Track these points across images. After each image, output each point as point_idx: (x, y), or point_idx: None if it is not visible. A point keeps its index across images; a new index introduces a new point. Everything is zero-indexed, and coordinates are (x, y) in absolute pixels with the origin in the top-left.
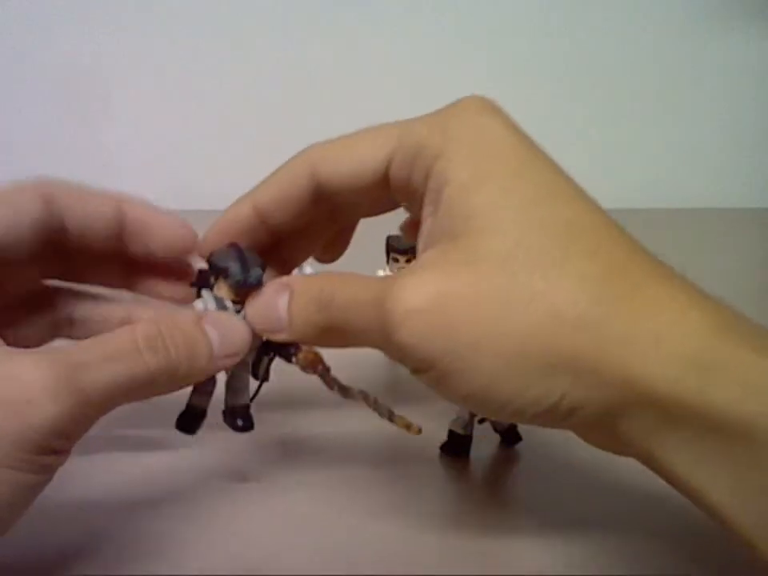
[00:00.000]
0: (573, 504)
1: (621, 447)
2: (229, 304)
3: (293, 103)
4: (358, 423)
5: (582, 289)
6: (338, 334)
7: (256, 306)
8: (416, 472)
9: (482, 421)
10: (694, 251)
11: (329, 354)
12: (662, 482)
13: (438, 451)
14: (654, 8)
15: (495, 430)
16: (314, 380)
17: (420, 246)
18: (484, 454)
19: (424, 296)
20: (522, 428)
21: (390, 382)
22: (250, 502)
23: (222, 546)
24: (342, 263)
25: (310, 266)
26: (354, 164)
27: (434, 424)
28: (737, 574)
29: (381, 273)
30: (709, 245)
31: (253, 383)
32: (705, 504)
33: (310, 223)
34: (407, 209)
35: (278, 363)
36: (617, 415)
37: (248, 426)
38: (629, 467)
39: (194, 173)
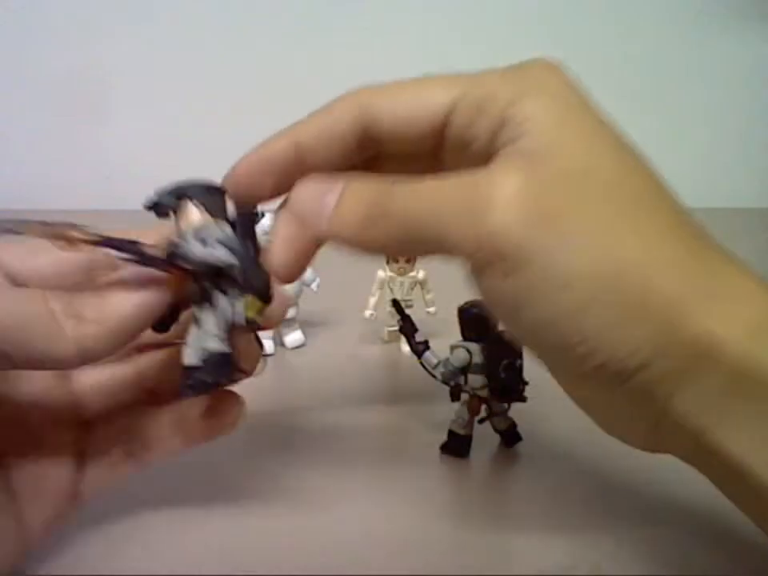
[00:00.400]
0: (573, 504)
1: (664, 434)
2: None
3: (293, 104)
4: (358, 423)
5: (672, 234)
6: (387, 235)
7: (303, 185)
8: (416, 472)
9: (481, 421)
10: None
11: (328, 355)
12: (661, 483)
13: (438, 451)
14: (654, 8)
15: (495, 430)
16: (313, 381)
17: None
18: (484, 454)
19: (525, 183)
20: (521, 428)
21: (391, 382)
22: (249, 503)
23: (222, 545)
24: (339, 263)
25: (310, 267)
26: (413, 106)
27: (434, 424)
28: (737, 573)
29: (381, 273)
30: None
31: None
32: (763, 494)
33: (347, 171)
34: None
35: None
36: (680, 381)
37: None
38: (629, 467)
39: (194, 174)
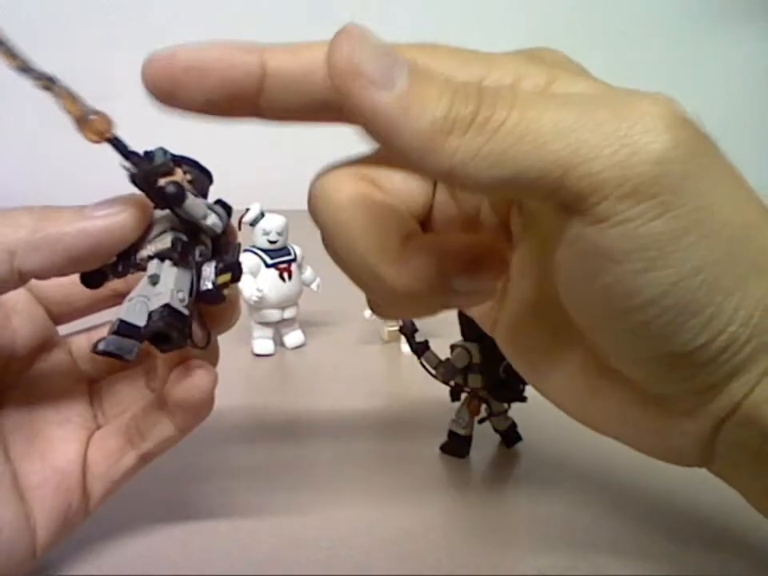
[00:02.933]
0: (573, 504)
1: (723, 438)
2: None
3: None
4: (357, 423)
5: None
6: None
7: (353, 31)
8: (416, 472)
9: (481, 421)
10: None
11: (328, 355)
12: (662, 482)
13: (438, 451)
14: (653, 8)
15: (495, 430)
16: (313, 381)
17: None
18: (484, 454)
19: (675, 112)
20: (522, 428)
21: (391, 382)
22: (248, 502)
23: (221, 544)
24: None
25: (310, 267)
26: None
27: (434, 424)
28: (739, 573)
29: None
30: None
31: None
32: None
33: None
34: None
35: (277, 366)
36: None
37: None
38: (629, 467)
39: None
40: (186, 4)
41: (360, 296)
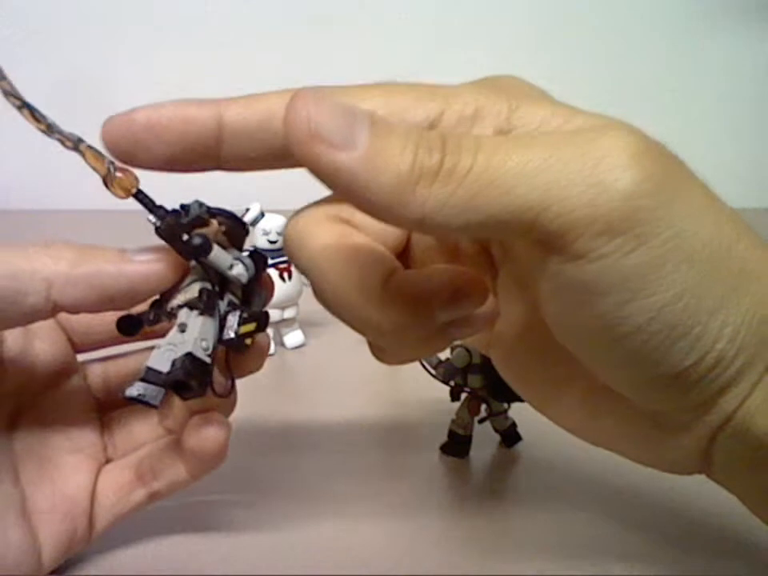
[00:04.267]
0: (573, 504)
1: (717, 449)
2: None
3: None
4: (357, 423)
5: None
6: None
7: (318, 95)
8: (416, 472)
9: (481, 421)
10: None
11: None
12: (662, 483)
13: (438, 451)
14: (653, 8)
15: (495, 430)
16: (313, 381)
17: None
18: (484, 453)
19: (643, 141)
20: (521, 428)
21: (391, 382)
22: (248, 502)
23: (220, 545)
24: None
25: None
26: (389, 117)
27: (433, 424)
28: (740, 573)
29: None
30: None
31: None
32: None
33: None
34: None
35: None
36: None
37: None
38: (629, 468)
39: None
40: (187, 6)
41: None
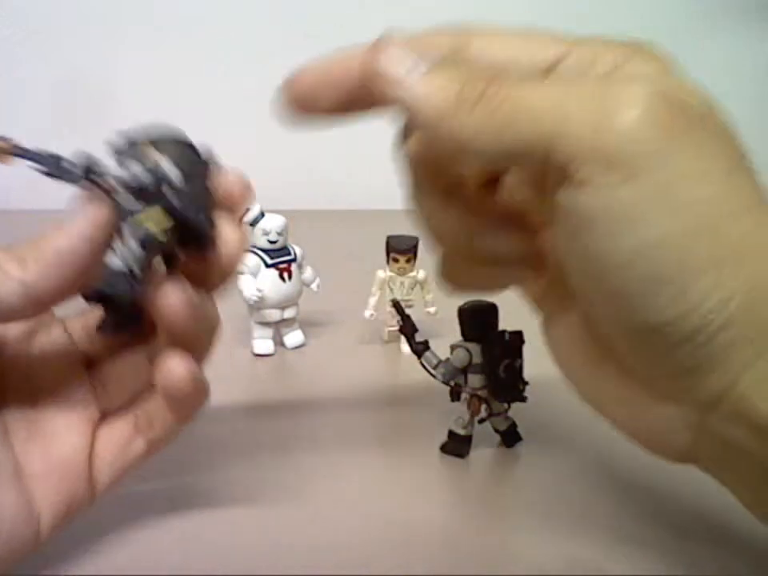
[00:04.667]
0: (573, 504)
1: (710, 430)
2: None
3: None
4: (357, 423)
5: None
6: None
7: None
8: (416, 472)
9: (481, 421)
10: None
11: (328, 355)
12: (662, 483)
13: (438, 451)
14: (653, 8)
15: (495, 430)
16: (313, 381)
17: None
18: (484, 453)
19: (656, 91)
20: (521, 428)
21: (391, 382)
22: (248, 502)
23: (220, 544)
24: (339, 263)
25: (310, 267)
26: (518, 53)
27: (433, 424)
28: (740, 572)
29: (381, 273)
30: None
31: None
32: None
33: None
34: None
35: (280, 366)
36: (763, 351)
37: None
38: (629, 467)
39: None
40: (187, 6)
41: (360, 296)
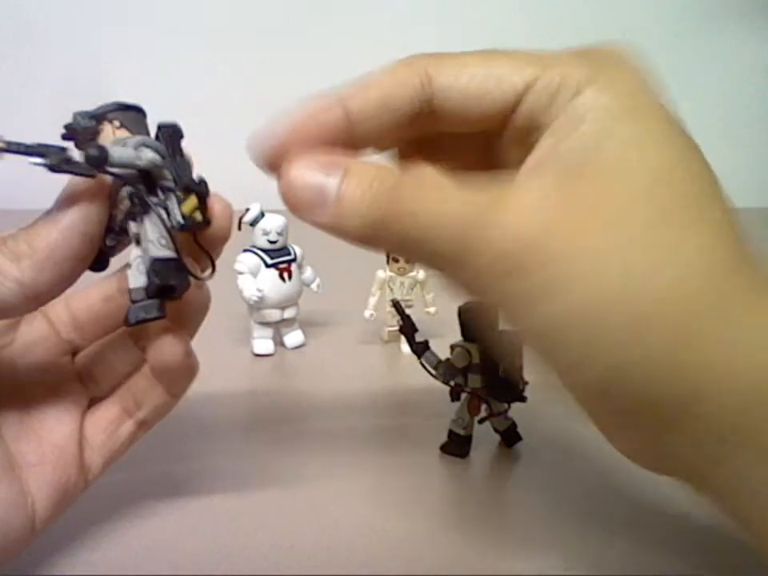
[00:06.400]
0: (572, 504)
1: (663, 460)
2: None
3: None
4: (357, 423)
5: (705, 273)
6: (394, 237)
7: (293, 184)
8: (416, 472)
9: (481, 421)
10: None
11: (328, 355)
12: (661, 485)
13: (438, 451)
14: (654, 7)
15: (495, 430)
16: (313, 381)
17: (525, 166)
18: (484, 453)
19: (536, 227)
20: (521, 428)
21: (391, 382)
22: (248, 502)
23: (220, 544)
24: (339, 263)
25: (310, 268)
26: (485, 82)
27: (433, 424)
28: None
29: (381, 273)
30: None
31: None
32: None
33: (394, 143)
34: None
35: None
36: (681, 414)
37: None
38: (629, 468)
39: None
40: (188, 6)
41: (360, 296)
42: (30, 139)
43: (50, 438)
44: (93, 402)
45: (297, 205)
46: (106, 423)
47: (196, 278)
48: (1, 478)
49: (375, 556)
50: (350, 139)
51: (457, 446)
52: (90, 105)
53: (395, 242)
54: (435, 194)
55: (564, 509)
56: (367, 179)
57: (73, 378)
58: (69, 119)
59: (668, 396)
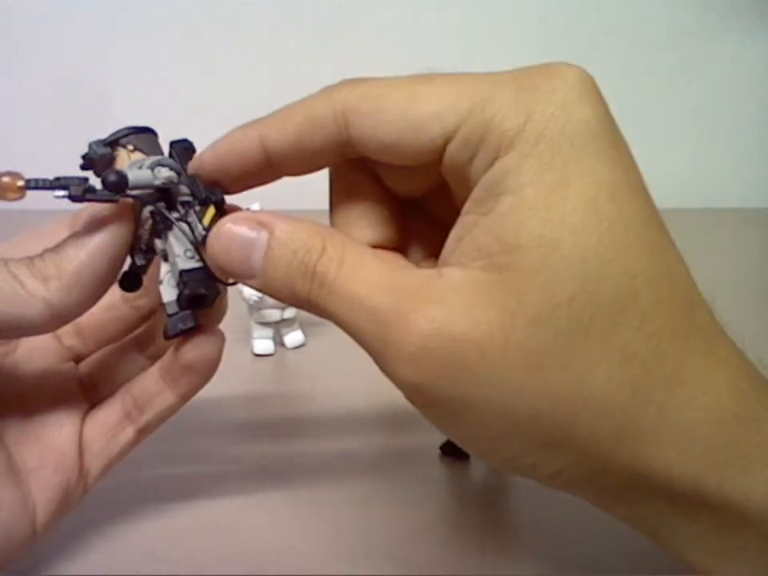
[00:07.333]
0: (572, 505)
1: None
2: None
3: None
4: (357, 423)
5: (620, 372)
6: (322, 315)
7: (223, 236)
8: (416, 472)
9: None
10: (693, 251)
11: (328, 355)
12: None
13: (438, 451)
14: (654, 7)
15: None
16: (313, 381)
17: (449, 241)
18: None
19: (443, 337)
20: None
21: (391, 382)
22: (248, 502)
23: (219, 544)
24: None
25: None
26: (403, 130)
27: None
28: None
29: None
30: (709, 245)
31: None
32: None
33: (322, 167)
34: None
35: (279, 365)
36: (621, 497)
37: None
38: None
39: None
40: (187, 7)
41: None
42: (30, 139)
43: (51, 443)
44: (93, 405)
45: (227, 273)
46: (106, 429)
47: (225, 284)
48: (3, 483)
49: (374, 556)
50: (269, 169)
51: (457, 446)
52: (90, 105)
53: (324, 317)
54: (355, 279)
55: (564, 509)
56: (291, 250)
57: (74, 384)
58: (69, 119)
59: (610, 486)
